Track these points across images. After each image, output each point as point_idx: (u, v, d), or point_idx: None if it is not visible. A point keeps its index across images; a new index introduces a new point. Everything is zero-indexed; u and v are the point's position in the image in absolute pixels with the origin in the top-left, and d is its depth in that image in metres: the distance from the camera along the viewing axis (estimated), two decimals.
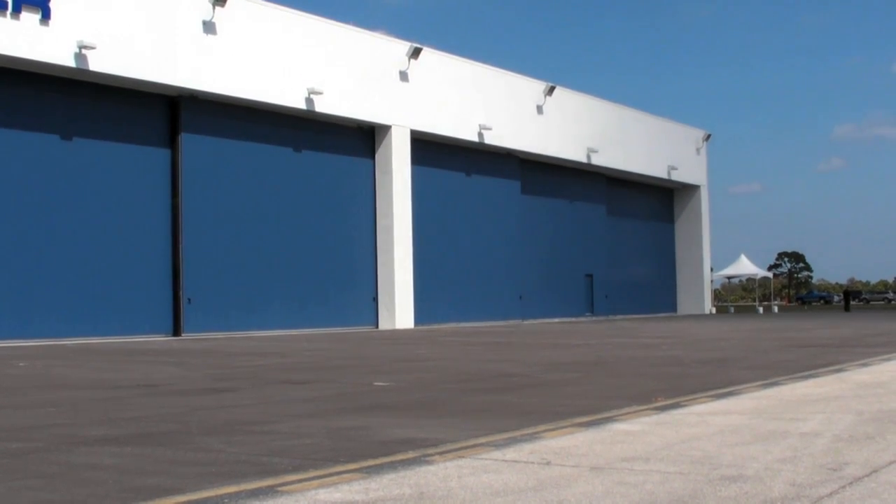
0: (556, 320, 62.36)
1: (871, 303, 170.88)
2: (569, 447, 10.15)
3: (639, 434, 11.09)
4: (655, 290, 77.72)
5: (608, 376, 19.55)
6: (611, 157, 67.73)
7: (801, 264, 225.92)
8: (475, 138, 56.03)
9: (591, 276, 68.47)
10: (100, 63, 38.42)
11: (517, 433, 11.17)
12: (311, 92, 46.16)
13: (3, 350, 31.60)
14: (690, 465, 9.02)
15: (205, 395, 16.61)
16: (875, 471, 8.64)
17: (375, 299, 50.78)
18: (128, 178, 40.88)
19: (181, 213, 42.08)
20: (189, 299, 42.08)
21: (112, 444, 10.96)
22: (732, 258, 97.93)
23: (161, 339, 39.85)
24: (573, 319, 64.26)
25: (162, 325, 41.61)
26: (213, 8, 42.16)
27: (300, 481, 8.49)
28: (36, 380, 20.56)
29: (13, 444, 10.94)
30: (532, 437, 10.84)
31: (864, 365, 21.21)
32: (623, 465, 9.01)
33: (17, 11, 36.09)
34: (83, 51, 37.75)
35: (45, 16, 36.83)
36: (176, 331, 41.85)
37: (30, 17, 36.48)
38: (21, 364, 25.05)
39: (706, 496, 7.64)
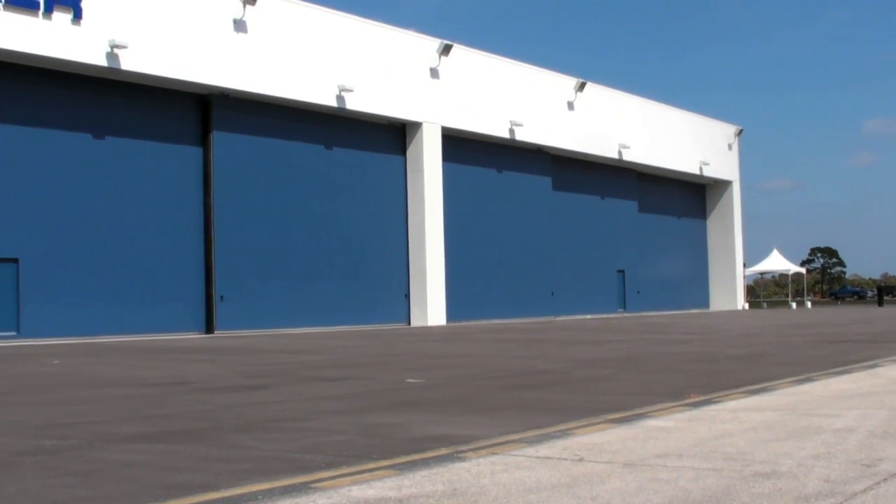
0: (588, 316, 62.24)
1: None
2: (601, 443, 10.13)
3: (672, 430, 11.06)
4: (688, 285, 77.48)
5: (641, 372, 19.50)
6: (642, 153, 67.55)
7: (834, 259, 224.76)
8: (506, 135, 55.97)
9: (622, 272, 68.33)
10: (132, 62, 38.54)
11: (550, 430, 11.15)
12: (342, 89, 46.19)
13: (37, 348, 31.76)
14: (723, 461, 8.99)
15: (237, 392, 16.65)
16: None
17: (407, 296, 50.80)
18: (160, 177, 41.01)
19: (213, 211, 42.18)
20: (221, 297, 42.18)
21: (145, 441, 11.00)
22: (765, 254, 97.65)
23: (194, 337, 39.96)
24: (605, 315, 64.13)
25: (195, 322, 41.73)
26: (244, 6, 42.23)
27: (333, 478, 8.50)
28: (70, 377, 20.65)
29: (48, 442, 10.99)
30: (565, 434, 10.82)
31: None
32: (656, 462, 8.98)
33: (48, 11, 36.24)
34: (115, 50, 37.88)
35: (77, 16, 36.97)
36: (209, 328, 41.96)
37: (62, 17, 36.63)
38: (55, 362, 25.17)
39: (739, 493, 7.61)
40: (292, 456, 9.79)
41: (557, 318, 58.95)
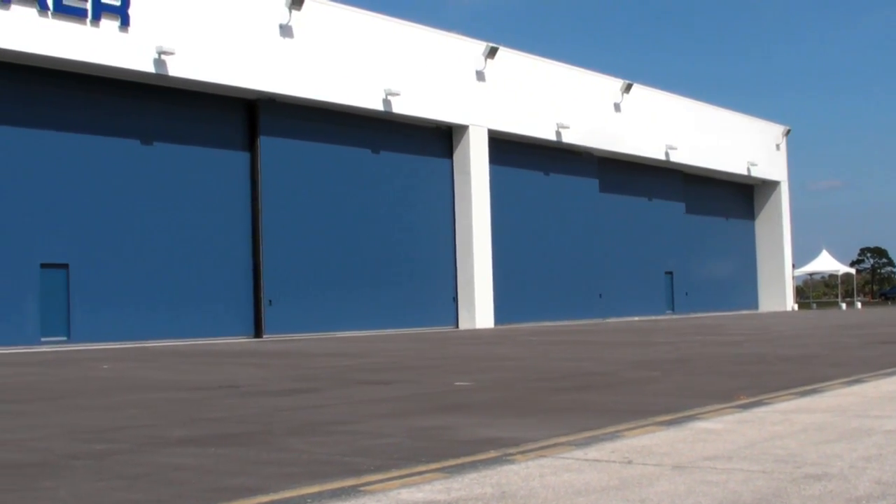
0: (637, 318, 62.05)
1: None
2: (651, 446, 10.10)
3: (721, 432, 11.01)
4: (736, 286, 77.10)
5: (690, 374, 19.43)
6: (689, 154, 67.28)
7: (884, 260, 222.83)
8: (553, 137, 55.89)
9: (671, 273, 68.09)
10: (179, 68, 38.74)
11: (599, 432, 11.13)
12: (389, 93, 46.26)
13: (87, 353, 31.97)
14: (774, 463, 8.94)
15: (286, 395, 16.70)
16: None
17: (455, 299, 50.80)
18: (208, 182, 41.19)
19: (261, 215, 42.32)
20: (270, 301, 42.32)
21: (195, 444, 11.05)
22: (814, 254, 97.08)
23: (243, 341, 40.11)
24: (653, 317, 63.90)
25: (243, 326, 41.89)
26: (290, 11, 42.37)
27: (382, 481, 8.52)
28: (120, 382, 20.77)
29: (98, 446, 11.06)
30: (614, 436, 10.80)
31: None
32: (706, 464, 8.95)
33: (96, 19, 36.49)
34: (162, 56, 38.10)
35: (125, 23, 37.20)
36: (257, 332, 42.10)
37: (109, 25, 36.86)
38: (105, 366, 25.32)
39: (790, 495, 7.57)
40: (341, 459, 9.82)
41: (606, 320, 58.79)
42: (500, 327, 50.30)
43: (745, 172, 74.86)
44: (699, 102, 70.52)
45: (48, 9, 35.10)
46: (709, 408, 13.24)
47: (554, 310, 55.99)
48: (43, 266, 36.35)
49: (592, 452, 9.74)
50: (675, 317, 65.64)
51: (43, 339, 35.88)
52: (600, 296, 60.10)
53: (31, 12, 34.76)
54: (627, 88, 61.18)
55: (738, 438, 10.53)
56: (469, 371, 21.76)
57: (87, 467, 9.71)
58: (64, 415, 14.45)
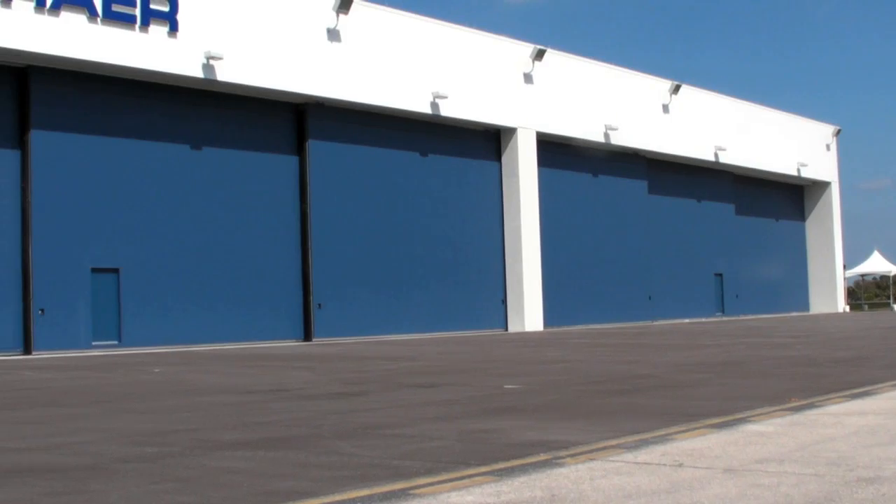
0: (686, 320, 61.79)
1: None
2: (701, 449, 10.06)
3: (772, 435, 10.95)
4: (787, 288, 76.63)
5: (740, 377, 19.34)
6: (739, 155, 66.92)
7: None
8: (601, 139, 55.76)
9: (720, 275, 67.76)
10: (227, 73, 38.90)
11: (648, 435, 11.10)
12: (436, 96, 46.27)
13: (138, 357, 32.17)
14: (826, 466, 8.89)
15: (336, 399, 16.74)
16: None
17: (504, 302, 50.75)
18: (257, 186, 41.33)
19: (310, 219, 42.42)
20: (319, 304, 42.41)
21: (245, 447, 11.09)
22: (866, 255, 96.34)
23: (292, 344, 40.23)
24: (703, 319, 63.62)
25: (293, 330, 42.00)
26: (337, 15, 42.47)
27: (432, 484, 8.52)
28: (171, 385, 20.88)
29: (149, 449, 11.12)
30: (664, 439, 10.76)
31: None
32: (757, 467, 8.90)
33: (145, 25, 36.71)
34: (211, 62, 38.27)
35: (173, 28, 37.39)
36: (307, 336, 42.19)
37: (158, 31, 37.07)
38: (156, 370, 25.46)
39: (842, 498, 7.52)
40: (391, 462, 9.83)
41: (655, 323, 58.58)
42: (549, 330, 50.23)
43: (795, 173, 74.41)
44: (748, 103, 70.17)
45: (97, 15, 35.35)
46: (760, 410, 13.16)
47: (603, 312, 55.83)
48: (94, 271, 36.60)
49: (643, 455, 9.71)
50: (724, 319, 65.31)
51: (94, 343, 36.12)
52: (650, 298, 59.88)
53: (81, 19, 35.02)
54: (676, 89, 60.97)
55: (789, 441, 10.47)
56: (518, 374, 21.74)
57: (139, 470, 9.77)
58: (115, 418, 14.54)
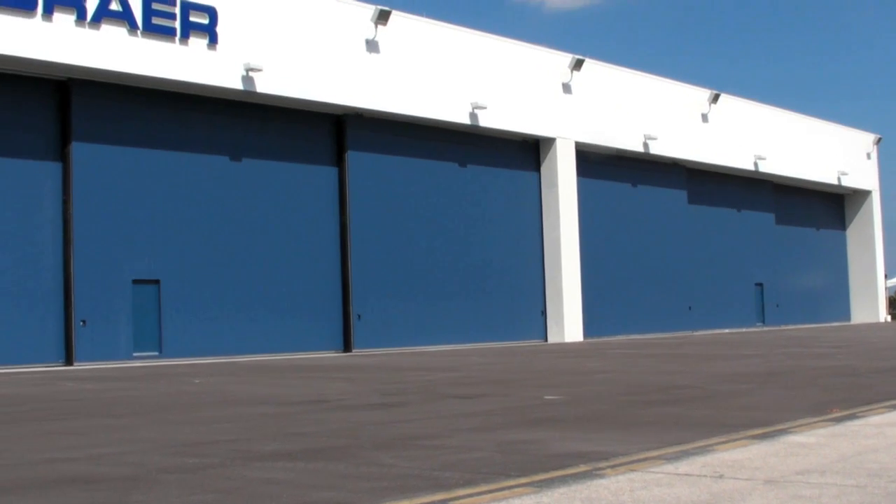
0: (727, 331, 61.53)
1: None
2: (742, 460, 10.02)
3: (814, 446, 10.89)
4: (828, 298, 76.20)
5: (781, 387, 19.25)
6: (779, 164, 66.62)
7: None
8: (640, 148, 55.62)
9: (760, 285, 67.46)
10: (266, 85, 39.03)
11: (689, 446, 11.06)
12: (475, 106, 46.27)
13: (179, 367, 32.29)
14: (867, 478, 8.83)
15: (375, 409, 16.75)
16: None
17: (544, 313, 50.67)
18: (296, 197, 41.42)
19: (349, 229, 42.48)
20: (359, 315, 42.46)
21: (285, 458, 11.12)
22: None
23: (332, 355, 40.29)
24: (744, 329, 63.34)
25: (332, 341, 42.05)
26: (376, 27, 42.55)
27: (471, 495, 8.52)
28: (211, 396, 20.95)
29: (190, 460, 11.16)
30: (704, 450, 10.72)
31: None
32: (798, 479, 8.86)
33: (185, 38, 36.88)
34: (250, 73, 38.41)
35: (213, 41, 37.55)
36: (346, 347, 42.23)
37: (198, 43, 37.24)
38: (196, 381, 25.56)
39: None
40: (430, 473, 9.83)
41: (695, 333, 58.37)
42: (589, 340, 50.12)
43: (836, 182, 74.02)
44: (787, 111, 69.86)
45: (138, 28, 35.54)
46: (801, 421, 13.10)
47: (643, 322, 55.68)
48: (135, 282, 36.77)
49: (683, 467, 9.68)
50: (765, 329, 65.02)
51: (135, 354, 36.28)
52: (689, 308, 59.68)
53: (122, 32, 35.23)
54: (715, 98, 60.77)
55: (830, 452, 10.41)
56: (558, 385, 21.71)
57: (179, 481, 9.80)
58: (156, 429, 14.60)
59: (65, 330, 34.86)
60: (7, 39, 32.56)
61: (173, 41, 36.44)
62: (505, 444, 11.76)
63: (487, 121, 46.81)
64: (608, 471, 9.54)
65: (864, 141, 78.03)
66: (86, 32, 34.34)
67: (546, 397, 18.16)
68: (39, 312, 34.51)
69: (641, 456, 10.45)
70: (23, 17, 32.91)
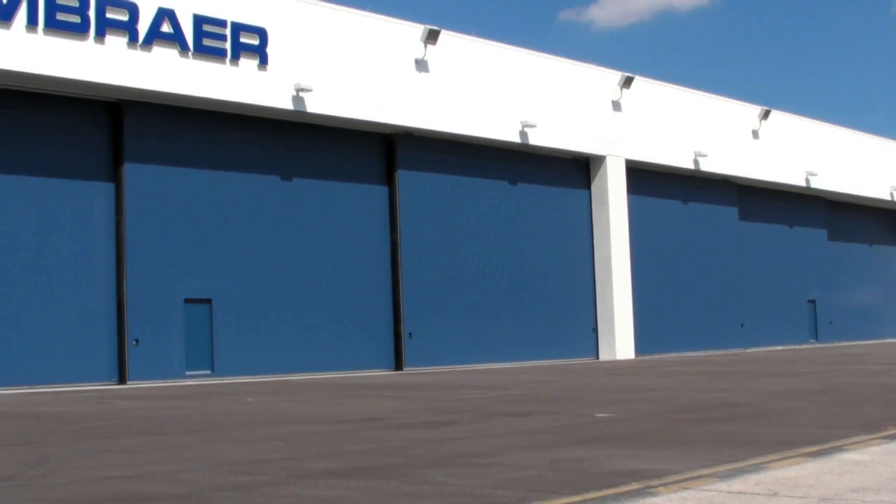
0: (780, 348, 61.16)
1: None
2: (796, 478, 9.96)
3: (868, 464, 10.81)
4: (882, 314, 75.58)
5: (835, 404, 19.11)
6: (830, 180, 66.21)
7: None
8: (691, 165, 55.45)
9: (813, 301, 67.02)
10: (317, 104, 39.18)
11: (742, 464, 11.00)
12: (525, 125, 46.27)
13: (231, 386, 32.41)
14: None
15: (427, 428, 16.76)
16: None
17: (595, 330, 50.54)
18: (348, 216, 41.53)
19: (400, 248, 42.56)
20: (410, 334, 42.49)
21: (337, 476, 11.14)
22: None
23: (383, 374, 40.33)
24: (797, 346, 62.93)
25: (384, 359, 42.09)
26: (425, 46, 42.65)
27: None
28: (263, 414, 21.01)
29: (242, 478, 11.20)
30: (758, 468, 10.66)
31: None
32: (853, 497, 8.79)
33: (235, 58, 37.12)
34: (300, 93, 38.59)
35: (263, 61, 37.78)
36: (398, 365, 42.27)
37: (248, 64, 37.47)
38: (249, 399, 25.65)
39: None
40: (483, 491, 9.82)
41: (747, 350, 58.06)
42: (640, 358, 49.95)
43: (889, 198, 73.48)
44: (839, 127, 69.44)
45: (189, 49, 35.82)
46: (855, 439, 13.00)
47: (695, 340, 55.44)
48: (187, 301, 36.97)
49: (736, 485, 9.63)
50: (818, 346, 64.57)
51: (188, 373, 36.46)
52: (742, 325, 59.37)
53: (173, 53, 35.50)
54: (765, 115, 60.50)
55: (885, 470, 10.33)
56: (610, 402, 21.65)
57: (232, 499, 9.84)
58: (209, 447, 14.67)
59: (118, 349, 35.10)
60: (61, 62, 32.91)
61: (224, 62, 36.69)
62: (557, 462, 11.74)
63: (537, 139, 46.82)
64: (661, 489, 9.50)
65: None
66: (138, 54, 34.63)
67: (598, 415, 18.11)
68: (93, 332, 34.75)
69: (694, 474, 10.40)
70: (76, 39, 33.26)
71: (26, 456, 13.83)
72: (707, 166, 56.10)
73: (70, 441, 16.25)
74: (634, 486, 9.74)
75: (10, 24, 31.95)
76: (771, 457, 11.47)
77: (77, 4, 33.36)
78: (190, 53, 35.80)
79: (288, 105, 38.33)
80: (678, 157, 54.48)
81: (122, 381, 34.72)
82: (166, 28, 35.28)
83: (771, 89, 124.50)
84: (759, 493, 9.05)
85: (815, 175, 64.23)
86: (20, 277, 33.47)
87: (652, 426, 15.89)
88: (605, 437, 14.35)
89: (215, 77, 36.42)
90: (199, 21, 36.15)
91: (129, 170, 35.69)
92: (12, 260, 33.41)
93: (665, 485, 9.73)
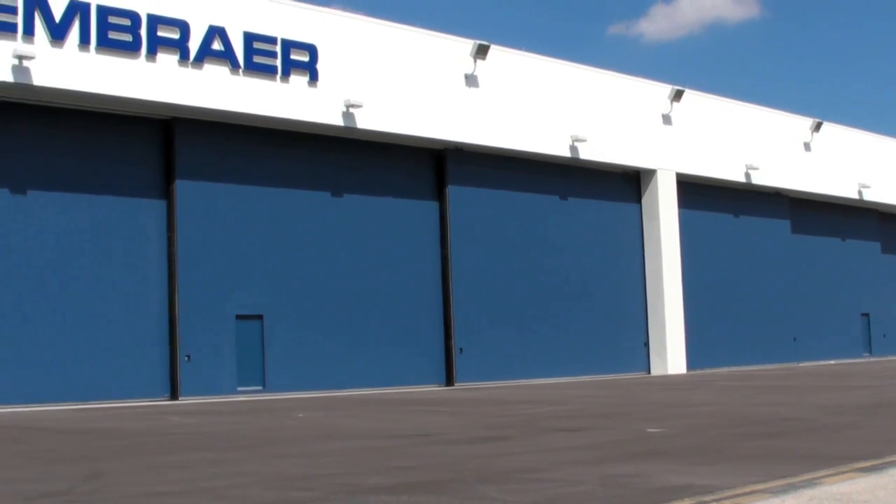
0: (833, 362, 60.69)
1: None
2: (850, 493, 9.87)
3: None
4: None
5: (889, 419, 18.96)
6: (884, 192, 65.69)
7: None
8: (742, 178, 55.16)
9: (867, 315, 66.49)
10: (367, 120, 39.27)
11: (795, 479, 10.92)
12: (575, 139, 46.17)
13: (282, 402, 32.50)
14: None
15: (478, 443, 16.74)
16: None
17: (646, 344, 50.34)
18: (398, 231, 41.56)
19: (450, 264, 42.53)
20: (461, 349, 42.45)
21: (388, 492, 11.14)
22: None
23: (434, 389, 40.33)
24: (850, 360, 62.43)
25: (435, 375, 42.05)
26: (475, 61, 42.68)
27: None
28: (315, 430, 21.05)
29: (294, 493, 11.22)
30: (811, 483, 10.58)
31: None
32: None
33: (286, 75, 37.27)
34: (350, 109, 38.68)
35: (313, 78, 37.91)
36: (448, 380, 42.23)
37: (298, 80, 37.61)
38: (300, 415, 25.71)
39: None
40: None
41: (800, 364, 57.67)
42: (692, 373, 49.71)
43: None
44: (891, 139, 68.85)
45: (239, 67, 36.00)
46: None
47: (747, 354, 55.10)
48: (238, 317, 37.11)
49: (789, 500, 9.56)
50: (872, 360, 64.02)
51: (239, 389, 36.58)
52: (794, 339, 58.97)
53: (224, 70, 35.70)
54: (817, 127, 60.13)
55: None
56: (661, 417, 21.56)
57: None
58: (260, 463, 14.71)
59: (170, 365, 35.27)
60: (113, 80, 33.15)
61: (274, 79, 36.86)
62: (608, 478, 11.70)
63: (587, 153, 46.72)
64: None
65: None
66: (189, 72, 34.86)
67: (649, 430, 18.04)
68: (145, 348, 34.94)
69: (747, 489, 10.34)
70: (128, 58, 33.51)
71: (79, 471, 13.92)
72: (758, 179, 55.83)
73: (122, 457, 16.34)
74: (686, 501, 9.69)
75: (62, 44, 32.25)
76: (824, 472, 11.38)
77: (129, 23, 33.63)
78: (240, 70, 35.99)
79: (338, 121, 38.45)
80: (729, 171, 54.23)
81: (174, 396, 34.89)
82: (217, 46, 35.50)
83: (822, 101, 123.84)
84: None
85: (868, 187, 63.77)
86: (74, 294, 33.72)
87: (704, 441, 15.81)
88: (656, 453, 14.29)
89: (266, 94, 36.59)
90: (249, 38, 36.35)
91: (181, 186, 35.90)
92: (67, 277, 33.67)
93: (717, 500, 9.68)
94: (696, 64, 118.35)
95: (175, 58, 34.57)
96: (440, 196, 42.67)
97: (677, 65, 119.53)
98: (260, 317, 37.53)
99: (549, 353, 45.44)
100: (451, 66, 42.04)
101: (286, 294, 38.07)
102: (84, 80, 32.71)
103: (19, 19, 31.62)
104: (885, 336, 66.90)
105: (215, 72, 35.48)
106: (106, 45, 33.08)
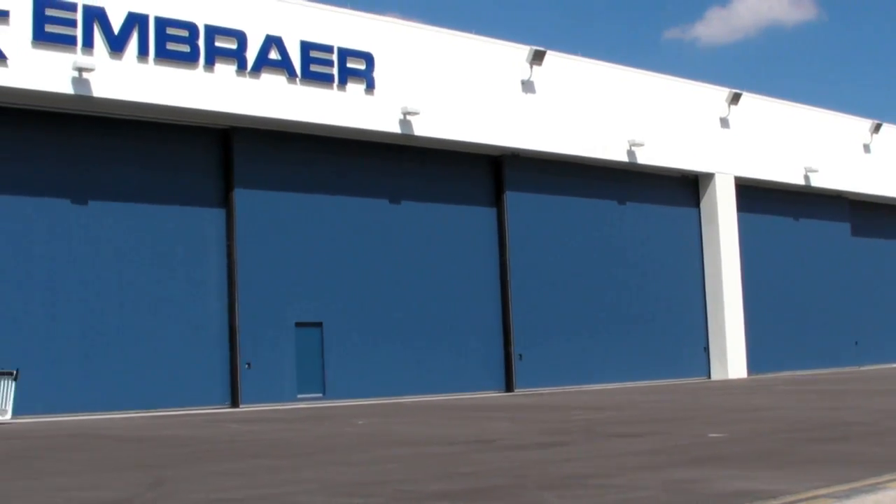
0: (895, 365, 60.15)
1: None
2: None
3: None
4: None
5: None
6: None
7: None
8: (801, 181, 54.81)
9: None
10: (424, 128, 39.33)
11: (858, 484, 10.85)
12: (632, 144, 46.04)
13: (342, 409, 32.58)
14: None
15: (538, 449, 16.72)
16: None
17: (706, 349, 50.09)
18: (456, 238, 41.59)
19: (509, 269, 42.52)
20: (520, 355, 42.40)
21: (449, 498, 11.15)
22: None
23: (494, 395, 40.31)
24: None
25: (494, 381, 42.03)
26: (531, 67, 42.65)
27: None
28: (374, 437, 21.09)
29: (355, 500, 11.25)
30: (874, 488, 10.50)
31: None
32: None
33: (343, 83, 37.41)
34: (407, 117, 38.76)
35: (370, 86, 38.03)
36: (508, 386, 42.21)
37: (355, 89, 37.73)
38: (360, 422, 25.76)
39: None
40: None
41: (862, 368, 57.18)
42: (753, 377, 49.41)
43: None
44: None
45: (296, 76, 36.18)
46: None
47: (808, 358, 54.69)
48: (298, 325, 37.25)
49: None
50: None
51: (299, 396, 36.72)
52: (856, 343, 58.47)
53: (281, 80, 35.88)
54: (877, 128, 59.63)
55: None
56: (722, 422, 21.45)
57: None
58: (321, 470, 14.76)
59: (231, 372, 35.47)
60: (171, 91, 33.43)
61: (331, 87, 37.01)
62: (670, 483, 11.66)
63: (645, 157, 46.57)
64: None
65: None
66: (246, 82, 35.08)
67: (710, 435, 17.96)
68: (206, 356, 35.16)
69: (809, 494, 10.28)
70: (186, 68, 33.77)
71: (141, 479, 14.02)
72: (818, 182, 55.41)
73: (184, 464, 16.44)
74: None
75: (121, 55, 32.53)
76: (888, 476, 11.30)
77: (187, 34, 33.89)
78: (298, 79, 36.16)
79: (395, 128, 38.55)
80: (788, 173, 53.86)
81: (234, 404, 35.08)
82: (274, 55, 35.70)
83: (881, 102, 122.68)
84: None
85: None
86: (136, 304, 34.00)
87: (765, 446, 15.72)
88: (718, 458, 14.22)
89: (323, 102, 36.74)
90: (306, 47, 36.52)
91: (240, 195, 36.11)
92: (129, 286, 33.95)
93: None
94: (753, 67, 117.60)
95: (233, 68, 34.81)
96: (498, 202, 42.67)
97: (734, 68, 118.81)
98: (319, 324, 37.66)
99: (607, 358, 45.31)
100: (507, 72, 42.04)
101: (345, 301, 38.19)
102: (143, 91, 32.99)
103: (79, 32, 31.96)
104: None
105: (273, 81, 35.68)
106: (164, 56, 33.35)
